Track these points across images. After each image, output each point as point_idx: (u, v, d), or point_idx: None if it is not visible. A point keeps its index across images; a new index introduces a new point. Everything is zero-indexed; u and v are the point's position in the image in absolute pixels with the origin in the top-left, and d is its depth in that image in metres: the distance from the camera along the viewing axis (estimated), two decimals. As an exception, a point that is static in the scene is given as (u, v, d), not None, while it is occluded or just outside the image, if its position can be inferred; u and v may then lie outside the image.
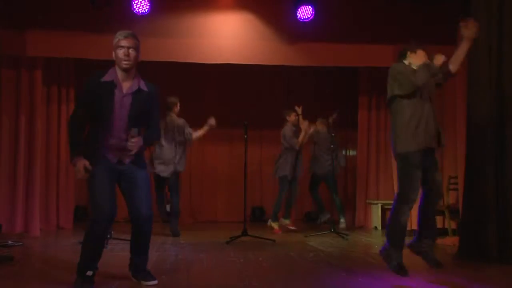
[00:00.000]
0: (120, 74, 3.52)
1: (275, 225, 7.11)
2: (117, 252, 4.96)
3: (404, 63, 3.96)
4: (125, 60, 3.47)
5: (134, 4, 6.23)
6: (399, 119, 3.79)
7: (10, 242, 5.47)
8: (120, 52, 3.47)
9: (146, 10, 6.28)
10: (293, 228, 7.30)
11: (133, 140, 3.42)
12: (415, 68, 3.85)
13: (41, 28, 6.32)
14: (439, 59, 3.83)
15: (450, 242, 5.95)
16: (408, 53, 3.99)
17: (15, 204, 6.38)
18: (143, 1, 6.24)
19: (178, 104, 6.76)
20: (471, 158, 5.05)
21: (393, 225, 3.76)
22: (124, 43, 3.48)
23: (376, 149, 8.13)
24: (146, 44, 6.32)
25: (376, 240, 6.55)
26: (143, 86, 3.57)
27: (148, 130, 3.65)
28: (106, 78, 3.48)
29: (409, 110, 3.75)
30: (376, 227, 7.73)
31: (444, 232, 6.62)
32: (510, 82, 4.86)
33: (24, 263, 4.53)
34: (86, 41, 6.26)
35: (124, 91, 3.50)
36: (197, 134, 6.71)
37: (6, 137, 6.43)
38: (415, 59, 3.93)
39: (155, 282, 3.63)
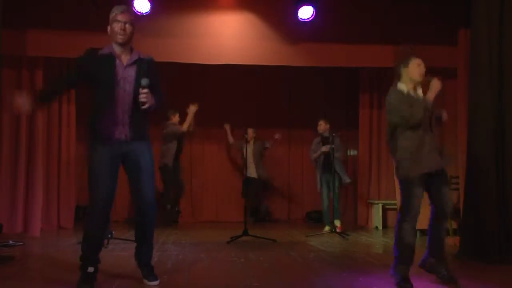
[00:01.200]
0: (116, 48, 3.53)
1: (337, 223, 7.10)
2: (117, 252, 4.96)
3: (398, 91, 3.84)
4: (121, 35, 3.49)
5: (135, 4, 6.24)
6: (399, 145, 3.77)
7: (11, 242, 5.47)
8: (117, 26, 3.49)
9: (147, 10, 6.29)
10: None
11: (144, 91, 3.40)
12: (411, 92, 3.84)
13: (41, 28, 6.33)
14: (436, 86, 3.85)
15: (451, 242, 5.95)
16: (402, 70, 3.92)
17: (16, 204, 6.38)
18: (143, 1, 6.25)
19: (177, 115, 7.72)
20: (472, 158, 5.05)
21: (398, 243, 3.72)
22: (120, 17, 3.50)
23: (377, 148, 8.13)
24: (146, 44, 6.38)
25: (377, 240, 6.55)
26: (143, 55, 3.61)
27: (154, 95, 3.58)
28: (104, 51, 3.51)
29: (410, 137, 3.73)
30: (377, 227, 7.74)
31: (444, 232, 6.62)
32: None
33: (25, 263, 4.53)
34: (87, 41, 6.21)
35: (125, 63, 3.51)
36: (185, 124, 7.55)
37: (7, 137, 6.43)
38: (411, 73, 3.90)
39: (156, 282, 3.62)
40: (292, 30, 6.70)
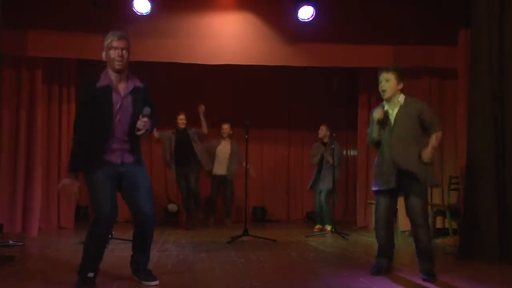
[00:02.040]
0: (113, 76, 3.51)
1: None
2: (118, 252, 4.96)
3: (379, 105, 4.14)
4: (118, 61, 3.45)
5: (135, 4, 6.24)
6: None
7: (11, 242, 5.48)
8: (114, 53, 3.46)
9: (147, 10, 6.28)
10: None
11: (144, 119, 3.43)
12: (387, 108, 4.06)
13: (41, 28, 6.33)
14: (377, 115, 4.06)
15: (450, 242, 5.95)
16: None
17: (16, 204, 6.38)
18: (143, 1, 6.25)
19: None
20: (472, 158, 5.05)
21: (377, 240, 4.18)
22: (117, 44, 3.46)
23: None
24: (146, 44, 6.40)
25: (377, 240, 6.55)
26: (138, 83, 3.58)
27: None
28: (101, 83, 3.46)
29: (378, 152, 4.11)
30: (376, 227, 7.72)
31: (444, 232, 6.62)
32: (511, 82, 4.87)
33: (25, 263, 4.53)
34: (87, 41, 6.26)
35: (122, 93, 3.49)
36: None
37: (7, 137, 6.42)
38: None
39: (156, 282, 3.63)
40: (292, 30, 6.70)
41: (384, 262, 4.11)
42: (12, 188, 6.40)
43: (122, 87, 3.51)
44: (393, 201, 4.11)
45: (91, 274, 3.46)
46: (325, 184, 7.17)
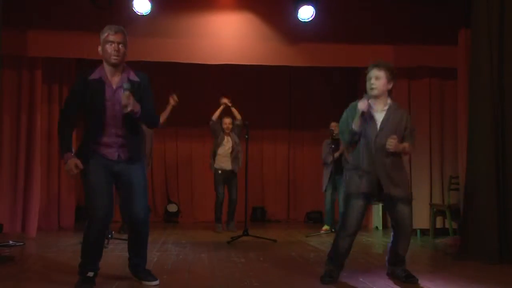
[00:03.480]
0: (108, 70, 3.48)
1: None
2: (117, 252, 4.96)
3: (351, 106, 3.91)
4: (114, 56, 3.42)
5: (135, 4, 6.24)
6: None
7: (11, 242, 5.48)
8: (110, 47, 3.42)
9: (147, 10, 6.28)
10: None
11: (126, 93, 3.33)
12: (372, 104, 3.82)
13: (41, 29, 6.32)
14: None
15: (450, 242, 5.95)
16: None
17: (16, 204, 6.38)
18: (143, 1, 6.25)
19: None
20: (472, 158, 5.05)
21: (334, 246, 3.88)
22: (113, 38, 3.43)
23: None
24: (146, 44, 6.40)
25: (377, 240, 6.55)
26: (133, 77, 3.52)
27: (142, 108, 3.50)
28: (94, 76, 3.45)
29: (356, 152, 3.86)
30: (377, 227, 7.74)
31: (444, 232, 6.62)
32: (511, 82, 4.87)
33: (25, 263, 4.53)
34: (87, 41, 6.25)
35: (114, 86, 3.46)
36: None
37: (7, 137, 6.42)
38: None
39: (156, 282, 3.63)
40: (292, 30, 6.69)
41: (337, 271, 3.88)
42: (13, 188, 6.40)
43: (116, 81, 3.47)
44: (366, 206, 3.84)
45: (90, 274, 3.46)
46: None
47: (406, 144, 3.77)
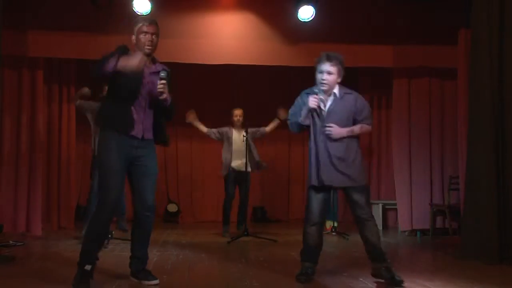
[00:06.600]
0: None
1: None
2: (117, 252, 4.96)
3: (311, 98, 3.85)
4: (148, 45, 3.58)
5: (135, 4, 6.23)
6: None
7: (11, 242, 5.48)
8: (144, 38, 3.58)
9: (147, 10, 6.28)
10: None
11: (162, 81, 3.50)
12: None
13: (42, 29, 6.32)
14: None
15: (450, 242, 5.96)
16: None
17: (17, 203, 6.38)
18: (143, 1, 6.25)
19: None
20: (472, 158, 5.05)
21: (303, 241, 3.87)
22: (148, 29, 3.58)
23: (377, 149, 8.14)
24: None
25: (377, 240, 6.55)
26: (164, 68, 3.70)
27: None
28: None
29: (313, 144, 3.85)
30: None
31: (444, 232, 6.63)
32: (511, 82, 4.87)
33: (25, 263, 4.53)
34: (87, 41, 6.26)
35: (150, 70, 3.60)
36: None
37: (8, 137, 6.42)
38: None
39: (156, 282, 3.63)
40: (292, 30, 6.69)
41: (311, 268, 3.88)
42: (14, 187, 6.39)
43: (149, 66, 3.63)
44: (328, 197, 3.89)
45: (88, 267, 3.45)
46: None
47: (354, 127, 3.78)
